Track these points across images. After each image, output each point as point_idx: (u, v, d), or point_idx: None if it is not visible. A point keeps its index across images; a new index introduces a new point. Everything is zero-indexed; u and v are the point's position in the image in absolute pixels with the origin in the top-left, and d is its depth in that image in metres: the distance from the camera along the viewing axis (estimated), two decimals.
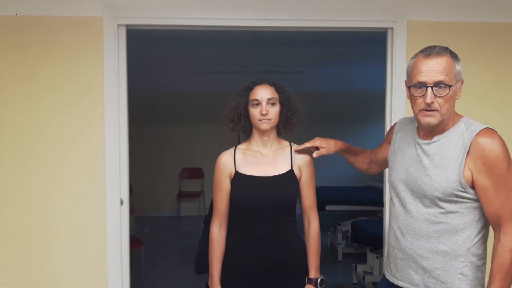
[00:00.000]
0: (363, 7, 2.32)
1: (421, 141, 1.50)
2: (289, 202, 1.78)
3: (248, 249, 1.76)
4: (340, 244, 4.49)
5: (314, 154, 1.82)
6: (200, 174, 6.51)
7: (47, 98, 2.26)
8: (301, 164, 1.81)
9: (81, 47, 2.25)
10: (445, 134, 1.45)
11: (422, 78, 1.39)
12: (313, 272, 1.80)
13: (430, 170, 1.43)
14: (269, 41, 3.81)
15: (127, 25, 2.29)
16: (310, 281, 1.79)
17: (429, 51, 1.41)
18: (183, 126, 6.51)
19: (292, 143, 1.86)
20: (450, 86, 1.38)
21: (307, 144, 1.82)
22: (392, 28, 2.34)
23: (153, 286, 3.87)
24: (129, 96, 2.36)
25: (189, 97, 6.37)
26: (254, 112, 1.74)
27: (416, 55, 1.45)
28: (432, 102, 1.39)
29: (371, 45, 3.39)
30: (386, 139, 1.78)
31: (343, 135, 7.14)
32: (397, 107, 2.34)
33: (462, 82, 1.44)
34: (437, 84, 1.38)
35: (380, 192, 2.85)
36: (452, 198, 1.40)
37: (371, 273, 3.62)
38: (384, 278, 1.65)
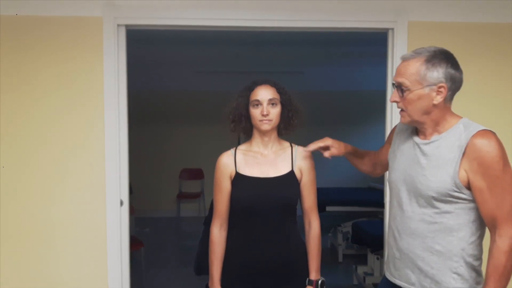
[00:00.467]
0: (363, 8, 2.31)
1: (420, 141, 1.51)
2: (290, 203, 1.77)
3: (248, 250, 1.76)
4: (341, 245, 4.48)
5: (326, 154, 1.79)
6: (200, 174, 6.51)
7: (46, 98, 2.26)
8: (302, 165, 1.80)
9: (80, 47, 2.25)
10: (444, 134, 1.46)
11: (394, 77, 1.48)
12: (314, 273, 1.80)
13: (426, 170, 1.44)
14: (269, 41, 3.81)
15: (126, 25, 2.28)
16: (311, 282, 1.79)
17: (404, 54, 1.49)
18: (183, 126, 6.51)
19: (293, 144, 1.85)
20: (408, 90, 1.42)
21: (319, 143, 1.78)
22: (392, 29, 2.34)
23: (153, 286, 3.86)
24: (129, 96, 2.36)
25: (189, 97, 6.37)
26: (255, 112, 1.73)
27: None
28: (397, 102, 1.46)
29: (371, 46, 3.39)
30: (387, 140, 1.79)
31: (343, 135, 7.13)
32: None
33: (440, 87, 1.42)
34: (398, 85, 1.45)
35: (380, 193, 2.84)
36: (447, 198, 1.41)
37: (372, 274, 3.61)
38: (384, 278, 1.66)
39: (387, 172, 1.70)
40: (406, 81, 1.42)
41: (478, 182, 1.36)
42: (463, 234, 1.42)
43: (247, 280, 1.76)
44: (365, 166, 1.87)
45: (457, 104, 2.36)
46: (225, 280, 1.79)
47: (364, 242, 3.91)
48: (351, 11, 2.31)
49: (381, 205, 2.53)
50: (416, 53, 1.44)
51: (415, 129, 1.56)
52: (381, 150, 1.80)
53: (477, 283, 1.44)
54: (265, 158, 1.79)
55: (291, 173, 1.78)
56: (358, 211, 4.93)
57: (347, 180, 5.93)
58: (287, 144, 1.85)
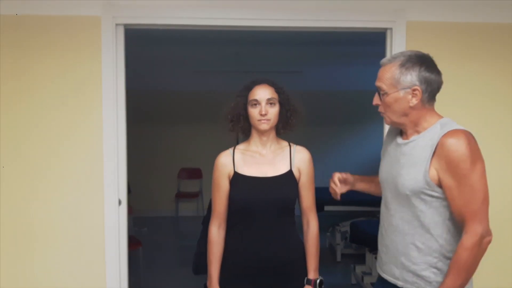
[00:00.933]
0: (362, 7, 2.31)
1: (401, 142, 1.57)
2: (288, 203, 1.77)
3: (247, 250, 1.76)
4: (339, 244, 4.49)
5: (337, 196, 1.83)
6: (198, 174, 6.50)
7: (45, 98, 2.25)
8: (301, 165, 1.80)
9: (79, 46, 2.24)
10: (421, 134, 1.51)
11: (375, 82, 1.55)
12: (312, 273, 1.80)
13: (403, 169, 1.51)
14: (268, 40, 3.80)
15: (125, 25, 2.28)
16: (309, 282, 1.79)
17: (383, 59, 1.54)
18: (181, 126, 6.50)
19: (291, 144, 1.85)
20: (386, 93, 1.50)
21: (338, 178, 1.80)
22: (391, 29, 2.34)
23: (151, 286, 3.86)
24: (127, 96, 2.35)
25: (187, 97, 6.36)
26: (253, 112, 1.73)
27: None
28: (378, 105, 1.54)
29: (370, 45, 3.39)
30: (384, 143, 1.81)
31: (342, 135, 7.19)
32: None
33: (415, 90, 1.47)
34: (377, 89, 1.53)
35: None
36: (421, 196, 1.46)
37: (370, 274, 3.61)
38: (378, 279, 1.71)
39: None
40: (383, 85, 1.50)
41: (447, 180, 1.41)
42: (440, 231, 1.47)
43: (246, 279, 1.76)
44: (378, 188, 1.82)
45: (457, 104, 2.38)
46: (224, 280, 1.79)
47: (363, 242, 3.91)
48: (350, 10, 2.31)
49: (379, 204, 2.53)
50: (393, 58, 1.51)
51: (399, 130, 1.62)
52: None
53: None
54: (263, 158, 1.79)
55: (290, 172, 1.78)
56: (357, 211, 4.93)
57: None
58: (285, 143, 1.85)
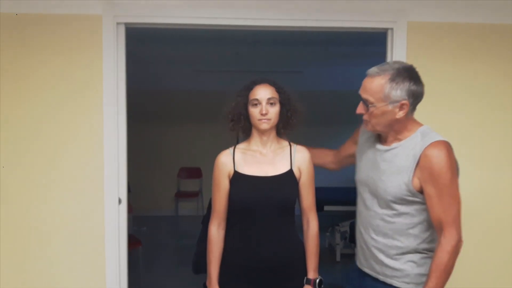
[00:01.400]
0: (363, 7, 2.31)
1: (381, 147, 1.63)
2: (288, 202, 1.77)
3: (246, 249, 1.76)
4: (339, 244, 4.49)
5: None
6: (198, 173, 6.50)
7: (45, 97, 2.25)
8: (301, 164, 1.80)
9: (80, 45, 2.24)
10: (402, 142, 1.58)
11: (359, 91, 1.58)
12: (312, 272, 1.80)
13: (385, 175, 1.58)
14: (268, 40, 3.80)
15: (126, 23, 2.28)
16: (309, 281, 1.79)
17: (369, 71, 1.55)
18: (181, 125, 6.50)
19: (291, 143, 1.85)
20: (373, 105, 1.53)
21: None
22: (392, 29, 2.34)
23: (151, 285, 3.86)
24: (128, 95, 2.35)
25: (187, 96, 6.36)
26: (254, 112, 1.73)
27: None
28: (363, 114, 1.57)
29: (371, 45, 3.39)
30: (351, 139, 1.90)
31: (342, 135, 7.15)
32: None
33: (402, 104, 1.52)
34: (364, 100, 1.55)
35: None
36: (403, 201, 1.55)
37: None
38: (355, 269, 1.79)
39: (355, 171, 1.80)
40: (370, 98, 1.53)
41: (429, 189, 1.50)
42: (418, 231, 1.58)
43: (245, 279, 1.76)
44: (329, 164, 2.02)
45: (456, 104, 2.38)
46: (223, 279, 1.79)
47: None
48: (351, 10, 2.31)
49: None
50: (381, 70, 1.52)
51: (378, 134, 1.67)
52: (344, 146, 1.92)
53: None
54: (264, 157, 1.79)
55: (290, 172, 1.78)
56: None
57: (345, 180, 5.90)
58: (286, 143, 1.85)
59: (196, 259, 2.54)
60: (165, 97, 6.37)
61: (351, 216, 4.72)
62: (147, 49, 4.02)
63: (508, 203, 2.44)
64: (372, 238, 1.64)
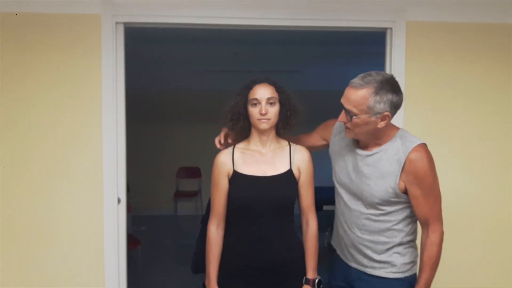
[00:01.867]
0: (362, 7, 2.31)
1: (361, 152, 1.69)
2: (288, 202, 1.77)
3: (245, 249, 1.76)
4: None
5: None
6: (197, 173, 6.50)
7: (44, 96, 2.25)
8: (300, 164, 1.80)
9: (78, 44, 2.24)
10: (383, 147, 1.65)
11: (341, 99, 1.63)
12: (311, 272, 1.80)
13: (370, 180, 1.65)
14: (268, 40, 3.80)
15: (125, 23, 2.28)
16: (308, 281, 1.79)
17: (355, 80, 1.58)
18: (180, 125, 6.49)
19: (291, 143, 1.85)
20: (356, 116, 1.57)
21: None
22: (391, 28, 2.34)
23: (150, 285, 3.86)
24: (127, 94, 2.35)
25: (186, 96, 6.36)
26: (253, 111, 1.73)
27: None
28: (345, 122, 1.62)
29: (370, 45, 3.39)
30: (319, 134, 1.95)
31: None
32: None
33: (385, 116, 1.58)
34: (346, 110, 1.60)
35: None
36: (389, 203, 1.65)
37: None
38: (339, 261, 1.85)
39: (332, 172, 1.85)
40: (354, 109, 1.57)
41: (414, 191, 1.61)
42: (402, 226, 1.69)
43: (244, 279, 1.76)
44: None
45: (456, 104, 2.38)
46: (222, 279, 1.79)
47: None
48: (350, 10, 2.31)
49: None
50: (365, 83, 1.56)
51: (354, 139, 1.73)
52: (309, 138, 1.97)
53: (414, 256, 1.74)
54: (263, 157, 1.79)
55: (289, 172, 1.78)
56: None
57: None
58: (285, 142, 1.85)
59: (195, 258, 2.54)
60: (164, 97, 6.36)
61: None
62: (147, 49, 4.01)
63: (507, 204, 2.44)
64: (358, 236, 1.72)
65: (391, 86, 1.58)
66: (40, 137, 2.26)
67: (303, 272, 1.81)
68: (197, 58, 4.77)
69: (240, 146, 1.83)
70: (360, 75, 1.60)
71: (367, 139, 1.67)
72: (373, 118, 1.58)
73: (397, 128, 1.70)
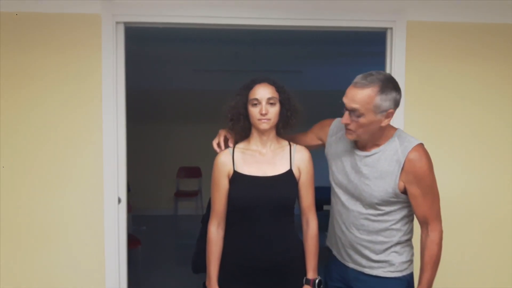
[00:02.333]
0: (362, 7, 2.31)
1: (360, 153, 1.70)
2: (288, 202, 1.77)
3: (246, 249, 1.76)
4: None
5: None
6: (197, 173, 6.50)
7: (44, 96, 2.25)
8: (300, 164, 1.80)
9: (79, 44, 2.24)
10: (382, 148, 1.67)
11: (344, 100, 1.62)
12: (311, 272, 1.80)
13: (369, 180, 1.66)
14: (268, 39, 3.80)
15: (125, 23, 2.28)
16: (308, 281, 1.79)
17: (358, 80, 1.59)
18: (181, 125, 6.50)
19: (291, 143, 1.85)
20: (363, 116, 1.58)
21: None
22: (391, 28, 2.34)
23: (150, 284, 3.86)
24: (127, 94, 2.35)
25: (187, 96, 6.36)
26: (254, 111, 1.72)
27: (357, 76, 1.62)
28: (348, 124, 1.62)
29: (370, 45, 3.39)
30: (315, 133, 1.95)
31: None
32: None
33: (388, 113, 1.60)
34: (352, 110, 1.59)
35: None
36: (388, 202, 1.66)
37: None
38: (335, 261, 1.86)
39: (329, 172, 1.85)
40: (361, 109, 1.57)
41: (414, 190, 1.62)
42: (400, 226, 1.70)
43: (245, 278, 1.76)
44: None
45: (456, 105, 2.38)
46: (223, 279, 1.79)
47: None
48: (350, 10, 2.31)
49: None
50: (369, 82, 1.57)
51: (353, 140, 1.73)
52: (305, 138, 1.96)
53: (411, 255, 1.76)
54: (263, 157, 1.79)
55: (290, 172, 1.78)
56: None
57: None
58: (285, 142, 1.84)
59: (196, 258, 2.54)
60: (165, 97, 6.36)
61: None
62: (147, 49, 4.02)
63: (507, 204, 2.44)
64: (357, 236, 1.73)
65: (393, 84, 1.61)
66: (40, 136, 2.26)
67: (303, 272, 1.81)
68: (197, 58, 4.77)
69: (240, 146, 1.83)
70: (361, 75, 1.61)
71: (367, 139, 1.67)
72: (378, 117, 1.59)
73: (395, 129, 1.71)
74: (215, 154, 1.83)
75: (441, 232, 1.66)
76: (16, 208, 2.27)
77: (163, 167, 6.50)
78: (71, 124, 2.27)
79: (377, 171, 1.65)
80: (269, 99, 1.72)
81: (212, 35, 3.49)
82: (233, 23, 2.31)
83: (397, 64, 2.33)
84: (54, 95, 2.25)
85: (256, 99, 1.72)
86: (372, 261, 1.72)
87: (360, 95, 1.57)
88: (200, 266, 1.95)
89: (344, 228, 1.77)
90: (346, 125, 1.64)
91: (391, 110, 1.60)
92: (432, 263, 1.64)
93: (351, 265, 1.78)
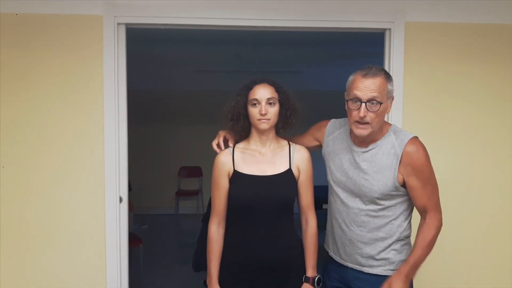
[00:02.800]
0: (361, 8, 2.32)
1: (357, 149, 1.73)
2: (287, 201, 1.78)
3: (246, 248, 1.77)
4: None
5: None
6: (198, 172, 6.52)
7: (46, 96, 2.26)
8: (300, 164, 1.82)
9: (80, 45, 2.26)
10: (378, 143, 1.70)
11: (358, 93, 1.62)
12: (311, 271, 1.81)
13: (368, 175, 1.68)
14: (268, 40, 3.81)
15: (126, 24, 2.29)
16: (308, 280, 1.80)
17: (366, 71, 1.63)
18: (182, 125, 6.51)
19: (290, 142, 1.87)
20: (381, 103, 1.62)
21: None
22: (390, 29, 2.35)
23: (151, 283, 3.88)
24: (129, 94, 2.36)
25: (188, 96, 6.37)
26: (253, 111, 1.74)
27: (355, 73, 1.67)
28: (365, 116, 1.62)
29: (370, 45, 3.40)
30: (312, 135, 1.96)
31: None
32: (395, 107, 2.35)
33: (393, 99, 1.70)
34: (370, 100, 1.61)
35: None
36: (388, 196, 1.68)
37: None
38: (333, 261, 1.85)
39: (327, 171, 1.87)
40: (379, 96, 1.62)
41: (413, 182, 1.65)
42: (400, 221, 1.72)
43: (245, 277, 1.77)
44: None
45: (455, 106, 2.39)
46: (223, 277, 1.81)
47: None
48: (349, 11, 2.32)
49: None
50: (376, 71, 1.64)
51: (348, 135, 1.79)
52: (302, 140, 1.96)
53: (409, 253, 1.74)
54: (263, 157, 1.80)
55: (289, 171, 1.80)
56: None
57: None
58: (285, 142, 1.86)
59: (196, 257, 2.56)
60: (166, 97, 6.37)
61: None
62: (147, 50, 4.03)
63: (506, 205, 2.45)
64: (357, 234, 1.74)
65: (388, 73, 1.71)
66: (41, 137, 2.28)
67: (303, 270, 1.82)
68: (198, 58, 4.79)
69: (240, 145, 1.84)
70: (363, 69, 1.66)
71: (374, 132, 1.67)
72: (388, 102, 1.67)
73: (389, 124, 1.76)
74: (215, 154, 1.85)
75: (439, 221, 1.68)
76: (17, 208, 2.29)
77: (165, 166, 6.51)
78: (73, 124, 2.28)
79: (376, 165, 1.68)
80: (268, 99, 1.74)
81: (213, 36, 3.50)
82: (234, 24, 2.32)
83: (395, 64, 2.34)
84: (56, 96, 2.27)
85: (256, 99, 1.74)
86: (372, 259, 1.73)
87: (376, 83, 1.62)
88: (201, 264, 1.96)
89: (344, 226, 1.77)
90: (362, 118, 1.62)
91: (393, 95, 1.70)
92: (423, 245, 1.65)
93: (350, 265, 1.78)
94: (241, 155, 1.81)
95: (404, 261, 1.71)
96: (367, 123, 1.63)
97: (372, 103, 1.61)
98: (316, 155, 1.95)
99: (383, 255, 1.72)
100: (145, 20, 2.29)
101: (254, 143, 1.82)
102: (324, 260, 1.94)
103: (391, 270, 1.72)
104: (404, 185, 1.67)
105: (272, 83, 1.79)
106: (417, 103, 2.38)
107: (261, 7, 2.29)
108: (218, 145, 1.87)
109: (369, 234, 1.72)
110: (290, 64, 5.02)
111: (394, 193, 1.67)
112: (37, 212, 2.30)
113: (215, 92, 4.17)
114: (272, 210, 1.75)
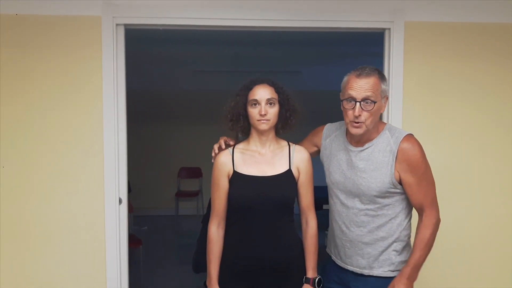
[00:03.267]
0: (360, 8, 2.32)
1: (354, 149, 1.75)
2: (287, 202, 1.78)
3: (246, 249, 1.77)
4: None
5: None
6: (198, 173, 6.52)
7: (45, 97, 2.26)
8: (300, 164, 1.82)
9: (79, 46, 2.26)
10: (374, 141, 1.72)
11: (352, 93, 1.65)
12: (311, 271, 1.81)
13: (365, 173, 1.70)
14: (267, 40, 3.81)
15: (125, 25, 2.29)
16: (308, 280, 1.80)
17: (360, 71, 1.66)
18: (181, 125, 6.51)
19: (290, 143, 1.86)
20: (375, 102, 1.64)
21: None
22: (389, 29, 2.35)
23: (151, 284, 3.88)
24: (128, 95, 2.36)
25: (187, 97, 6.36)
26: (253, 112, 1.74)
27: (350, 73, 1.69)
28: (360, 115, 1.64)
29: (369, 45, 3.40)
30: (310, 141, 1.97)
31: None
32: (395, 106, 2.35)
33: (387, 98, 1.73)
34: (364, 99, 1.63)
35: None
36: (386, 194, 1.69)
37: None
38: (333, 263, 1.87)
39: (325, 174, 1.89)
40: (372, 95, 1.64)
41: (408, 179, 1.66)
42: (400, 220, 1.73)
43: (245, 278, 1.77)
44: None
45: (455, 105, 2.39)
46: (223, 278, 1.80)
47: None
48: (348, 11, 2.32)
49: None
50: (370, 71, 1.66)
51: (345, 136, 1.81)
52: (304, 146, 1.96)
53: (409, 253, 1.75)
54: (262, 157, 1.80)
55: (289, 171, 1.80)
56: None
57: None
58: (284, 143, 1.86)
59: (196, 258, 2.55)
60: (165, 97, 6.36)
61: None
62: (147, 50, 4.03)
63: (506, 205, 2.45)
64: (357, 234, 1.75)
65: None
66: (40, 138, 2.27)
67: (303, 271, 1.82)
68: (197, 59, 4.79)
69: (239, 146, 1.84)
70: (357, 69, 1.68)
71: (368, 131, 1.70)
72: (383, 102, 1.69)
73: (384, 123, 1.79)
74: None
75: (436, 218, 1.69)
76: (17, 209, 2.29)
77: (164, 167, 6.51)
78: (72, 125, 2.28)
79: (373, 163, 1.70)
80: (268, 99, 1.73)
81: (212, 36, 3.51)
82: (233, 25, 2.32)
83: (395, 64, 2.34)
84: (55, 97, 2.27)
85: (256, 100, 1.73)
86: (372, 260, 1.73)
87: (370, 82, 1.64)
88: (201, 265, 1.96)
89: (344, 228, 1.78)
90: (356, 118, 1.65)
91: (387, 95, 1.72)
92: (422, 246, 1.66)
93: (350, 268, 1.79)
94: (241, 156, 1.81)
95: (404, 263, 1.72)
96: (361, 122, 1.66)
97: (366, 102, 1.63)
98: (317, 156, 1.95)
99: (383, 255, 1.73)
100: (143, 20, 2.29)
101: (253, 144, 1.82)
102: (323, 261, 1.94)
103: (391, 271, 1.73)
104: (401, 182, 1.68)
105: (272, 84, 1.79)
106: (416, 103, 2.38)
107: (260, 8, 2.29)
108: (219, 148, 1.87)
109: (369, 234, 1.73)
110: (290, 64, 5.02)
111: (392, 190, 1.69)
112: (37, 212, 2.29)
113: (215, 92, 4.17)
114: (272, 211, 1.75)
